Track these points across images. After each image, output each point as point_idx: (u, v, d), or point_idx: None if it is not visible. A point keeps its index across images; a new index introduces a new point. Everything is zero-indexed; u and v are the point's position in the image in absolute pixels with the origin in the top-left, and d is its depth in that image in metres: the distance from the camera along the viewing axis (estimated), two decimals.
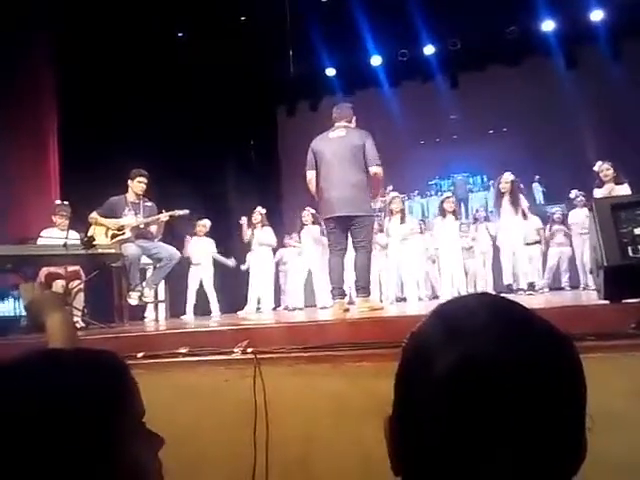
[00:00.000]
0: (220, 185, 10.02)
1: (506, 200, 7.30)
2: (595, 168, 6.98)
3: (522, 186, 7.81)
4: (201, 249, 8.13)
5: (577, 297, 6.12)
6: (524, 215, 7.41)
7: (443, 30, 10.27)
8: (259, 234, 8.21)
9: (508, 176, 7.37)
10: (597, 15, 9.72)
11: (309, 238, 8.42)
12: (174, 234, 7.49)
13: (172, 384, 2.71)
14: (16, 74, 7.12)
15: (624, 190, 6.55)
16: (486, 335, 0.61)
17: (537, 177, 11.14)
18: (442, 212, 7.97)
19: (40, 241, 5.79)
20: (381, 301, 7.10)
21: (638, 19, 9.23)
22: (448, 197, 8.13)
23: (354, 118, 5.00)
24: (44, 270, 5.75)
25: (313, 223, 8.35)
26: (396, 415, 0.67)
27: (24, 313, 5.89)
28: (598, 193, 6.81)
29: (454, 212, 7.93)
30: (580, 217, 8.19)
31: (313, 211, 8.33)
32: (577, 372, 0.63)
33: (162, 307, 6.94)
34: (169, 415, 2.55)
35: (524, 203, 7.44)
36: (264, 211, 8.26)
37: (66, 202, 6.54)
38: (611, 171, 6.85)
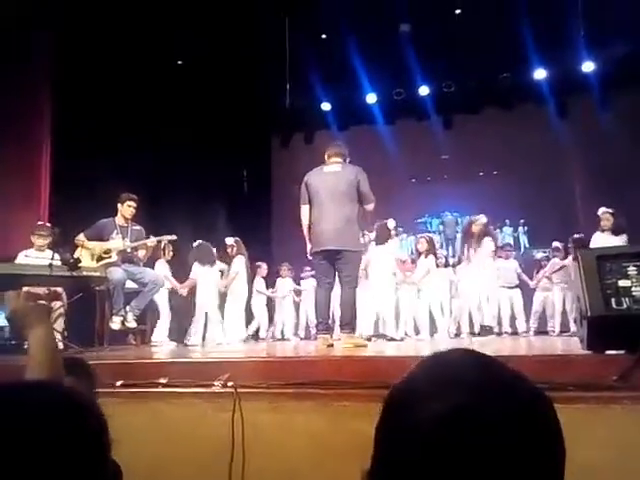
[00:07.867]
0: (211, 213, 10.00)
1: (475, 242, 7.30)
2: (598, 213, 6.95)
3: (492, 228, 7.81)
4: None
5: (560, 344, 6.11)
6: (495, 256, 7.48)
7: (438, 72, 10.48)
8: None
9: (483, 218, 7.37)
10: (588, 67, 9.96)
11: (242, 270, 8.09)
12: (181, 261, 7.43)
13: (150, 414, 2.66)
14: (10, 86, 7.06)
15: (619, 241, 6.46)
16: (470, 393, 0.62)
17: (522, 221, 11.27)
18: (417, 253, 8.03)
19: (18, 261, 5.71)
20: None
21: (627, 72, 9.48)
22: (421, 237, 8.18)
23: (347, 154, 5.08)
24: (24, 290, 5.66)
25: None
26: (374, 469, 0.67)
27: (6, 324, 5.78)
28: (597, 237, 6.82)
29: (427, 252, 7.86)
30: (558, 267, 8.33)
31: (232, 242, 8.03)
32: (555, 430, 0.64)
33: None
34: (145, 445, 2.51)
35: (491, 246, 7.40)
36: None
37: (48, 224, 6.42)
38: (610, 221, 6.79)
